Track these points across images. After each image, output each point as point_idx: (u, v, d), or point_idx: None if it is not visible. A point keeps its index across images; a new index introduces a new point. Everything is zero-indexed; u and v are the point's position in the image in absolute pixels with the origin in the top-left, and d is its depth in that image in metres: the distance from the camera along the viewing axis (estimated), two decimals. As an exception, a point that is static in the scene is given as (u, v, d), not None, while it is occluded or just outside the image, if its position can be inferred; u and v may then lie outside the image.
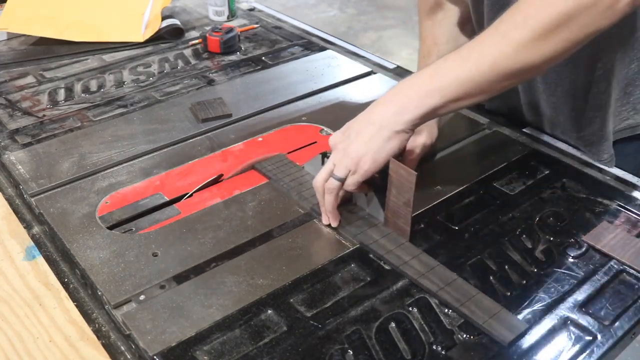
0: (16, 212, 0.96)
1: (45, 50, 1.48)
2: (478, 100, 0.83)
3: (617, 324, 0.75)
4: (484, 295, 0.77)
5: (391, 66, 1.40)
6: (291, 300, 0.77)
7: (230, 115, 1.18)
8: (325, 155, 1.01)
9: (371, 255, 0.84)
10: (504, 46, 0.78)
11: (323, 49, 1.48)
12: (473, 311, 0.75)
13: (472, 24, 1.12)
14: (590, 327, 0.74)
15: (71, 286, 0.82)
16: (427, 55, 1.11)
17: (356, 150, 0.83)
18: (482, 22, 1.05)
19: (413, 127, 0.83)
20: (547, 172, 1.01)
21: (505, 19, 0.79)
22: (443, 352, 0.71)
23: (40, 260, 0.86)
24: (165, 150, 1.09)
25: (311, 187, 0.91)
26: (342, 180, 0.85)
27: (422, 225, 0.90)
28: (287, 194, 0.96)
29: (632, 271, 0.82)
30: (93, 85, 1.32)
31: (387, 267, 0.82)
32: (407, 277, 0.80)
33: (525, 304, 0.77)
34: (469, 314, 0.75)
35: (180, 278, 0.81)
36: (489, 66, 0.78)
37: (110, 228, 0.90)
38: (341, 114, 1.09)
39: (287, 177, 0.99)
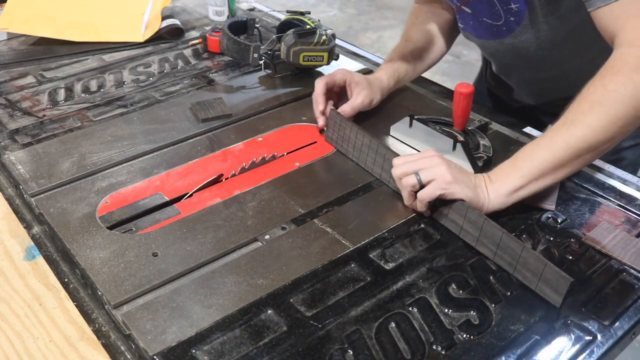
0: (16, 212, 0.96)
1: (45, 50, 1.48)
2: (559, 178, 0.89)
3: (617, 324, 0.75)
4: (528, 249, 0.80)
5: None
6: (291, 300, 0.77)
7: (230, 115, 1.18)
8: (412, 117, 1.07)
9: (371, 255, 0.84)
10: (573, 130, 0.85)
11: (323, 49, 1.47)
12: (525, 276, 0.80)
13: (447, 35, 1.24)
14: (590, 327, 0.74)
15: (71, 286, 0.82)
16: (396, 48, 1.24)
17: (449, 177, 0.86)
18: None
19: (497, 208, 0.89)
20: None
21: (573, 109, 0.86)
22: (443, 352, 0.71)
23: (40, 260, 0.86)
24: (165, 150, 1.09)
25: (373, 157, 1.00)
26: (422, 185, 0.88)
27: (422, 225, 0.90)
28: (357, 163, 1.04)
29: (632, 271, 0.82)
30: (93, 85, 1.32)
31: (387, 267, 0.82)
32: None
33: (526, 304, 0.77)
34: (523, 280, 0.80)
35: (180, 278, 0.81)
36: (560, 147, 0.86)
37: (110, 228, 0.90)
38: (341, 114, 1.10)
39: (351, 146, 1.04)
